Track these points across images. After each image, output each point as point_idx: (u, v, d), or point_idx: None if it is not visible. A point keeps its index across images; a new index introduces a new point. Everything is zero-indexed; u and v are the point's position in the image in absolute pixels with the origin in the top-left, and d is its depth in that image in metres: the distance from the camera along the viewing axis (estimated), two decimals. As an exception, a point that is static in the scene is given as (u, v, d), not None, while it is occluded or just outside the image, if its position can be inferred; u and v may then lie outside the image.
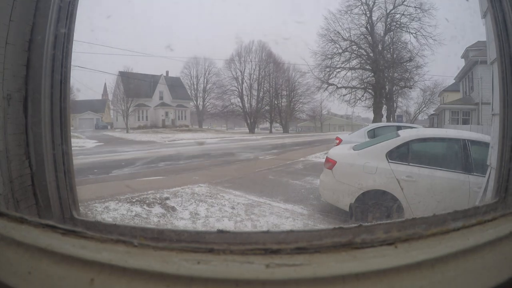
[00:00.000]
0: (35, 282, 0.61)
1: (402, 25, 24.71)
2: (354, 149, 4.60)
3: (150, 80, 32.36)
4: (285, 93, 34.78)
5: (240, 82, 34.06)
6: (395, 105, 26.66)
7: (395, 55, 25.67)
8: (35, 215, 1.05)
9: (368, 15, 25.32)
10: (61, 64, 1.08)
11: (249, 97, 34.40)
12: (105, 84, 39.11)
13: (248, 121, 34.21)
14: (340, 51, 26.08)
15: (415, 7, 23.67)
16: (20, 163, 1.05)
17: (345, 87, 26.31)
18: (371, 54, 25.79)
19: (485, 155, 3.08)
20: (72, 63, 1.13)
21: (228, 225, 4.08)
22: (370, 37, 25.71)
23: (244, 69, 33.84)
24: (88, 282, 0.59)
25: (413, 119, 27.26)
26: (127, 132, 26.80)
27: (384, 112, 25.45)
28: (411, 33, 24.33)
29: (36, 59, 1.06)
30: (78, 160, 9.31)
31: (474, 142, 3.87)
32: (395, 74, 25.64)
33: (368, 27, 25.56)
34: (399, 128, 7.64)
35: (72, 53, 1.12)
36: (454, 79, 22.49)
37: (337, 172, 4.26)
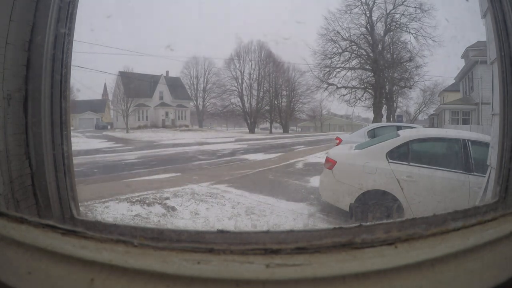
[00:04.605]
0: (35, 282, 0.60)
1: (402, 25, 24.75)
2: (354, 149, 4.59)
3: (150, 80, 32.35)
4: (285, 93, 34.76)
5: (240, 82, 34.07)
6: (395, 105, 26.68)
7: (395, 55, 25.70)
8: (35, 215, 1.05)
9: (368, 15, 25.36)
10: (61, 64, 1.07)
11: (249, 97, 34.40)
12: (105, 84, 38.96)
13: (248, 121, 34.17)
14: (340, 51, 26.14)
15: (415, 7, 23.73)
16: (20, 163, 1.05)
17: (345, 87, 26.35)
18: (371, 54, 25.80)
19: (485, 155, 3.07)
20: (72, 63, 1.12)
21: (228, 224, 4.08)
22: (370, 37, 25.73)
23: (244, 69, 33.86)
24: (88, 282, 0.59)
25: (413, 119, 27.25)
26: (127, 132, 26.74)
27: (384, 112, 25.48)
28: (411, 33, 24.38)
29: (36, 59, 1.05)
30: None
31: (474, 142, 3.87)
32: (395, 74, 25.67)
33: (368, 27, 25.58)
34: (399, 128, 7.63)
35: (72, 53, 1.12)
36: (454, 79, 22.49)
37: (337, 172, 4.26)
